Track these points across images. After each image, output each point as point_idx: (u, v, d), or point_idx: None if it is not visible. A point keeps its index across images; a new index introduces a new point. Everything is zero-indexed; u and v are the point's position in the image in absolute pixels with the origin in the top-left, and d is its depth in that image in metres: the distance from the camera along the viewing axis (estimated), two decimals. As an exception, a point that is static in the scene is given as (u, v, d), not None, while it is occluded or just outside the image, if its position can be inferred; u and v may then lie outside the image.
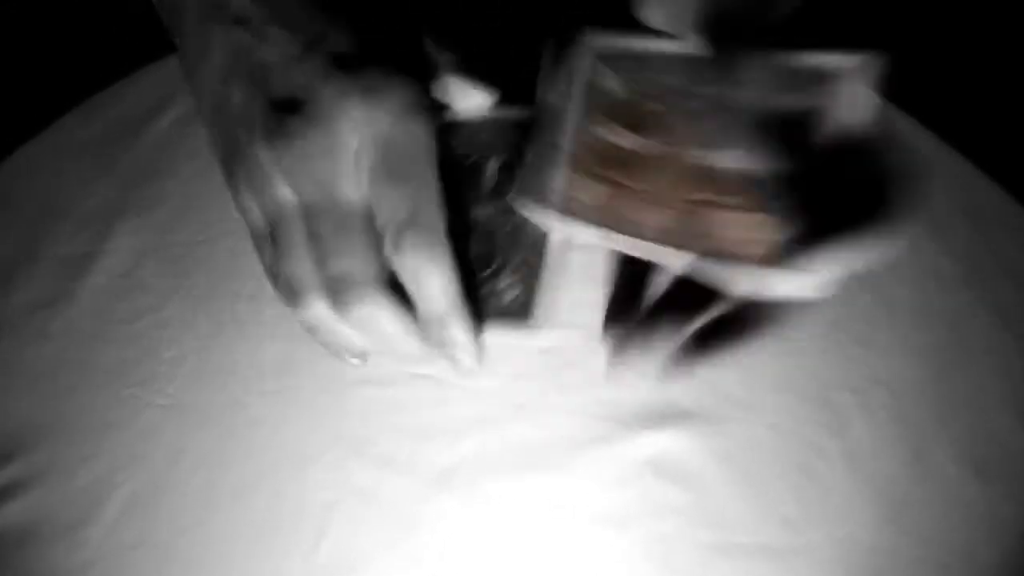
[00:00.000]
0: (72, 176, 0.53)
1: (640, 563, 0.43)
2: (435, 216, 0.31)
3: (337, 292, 0.32)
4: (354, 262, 0.31)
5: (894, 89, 0.59)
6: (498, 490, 0.45)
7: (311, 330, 0.35)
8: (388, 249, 0.31)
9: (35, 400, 0.46)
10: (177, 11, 0.33)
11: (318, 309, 0.33)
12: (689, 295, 0.32)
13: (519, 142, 0.32)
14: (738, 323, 0.32)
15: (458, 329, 0.33)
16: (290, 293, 0.34)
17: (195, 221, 0.52)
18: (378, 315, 0.32)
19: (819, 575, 0.43)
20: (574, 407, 0.47)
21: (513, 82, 0.33)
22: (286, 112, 0.30)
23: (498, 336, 0.35)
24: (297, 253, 0.32)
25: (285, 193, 0.31)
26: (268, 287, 0.50)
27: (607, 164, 0.29)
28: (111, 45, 0.56)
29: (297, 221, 0.31)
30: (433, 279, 0.31)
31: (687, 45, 0.29)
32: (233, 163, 0.32)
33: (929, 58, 0.70)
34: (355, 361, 0.37)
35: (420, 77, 0.32)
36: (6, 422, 0.46)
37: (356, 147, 0.30)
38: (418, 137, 0.31)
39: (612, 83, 0.30)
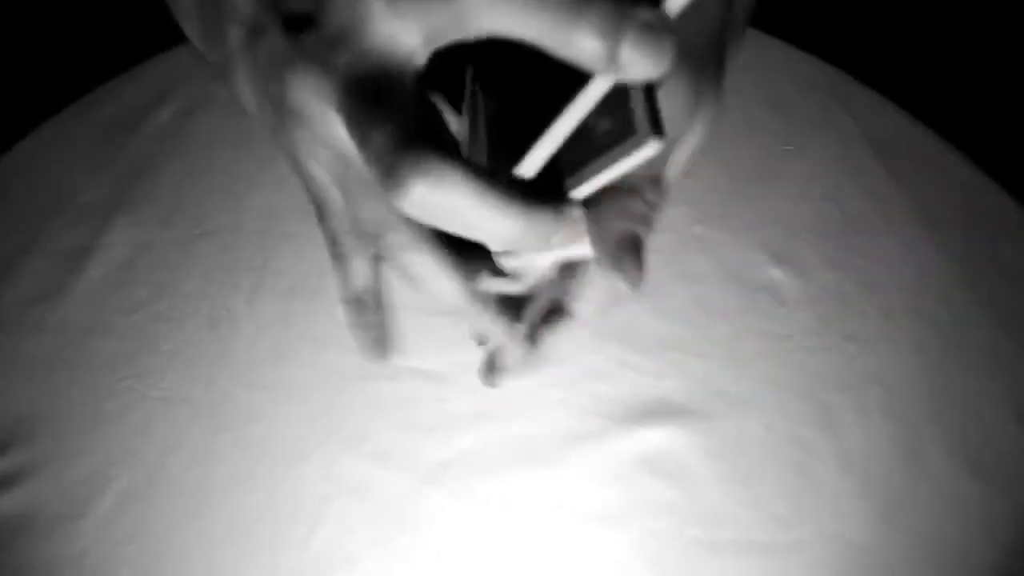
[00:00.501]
0: (70, 171, 0.53)
1: (633, 560, 0.43)
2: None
3: (388, 173, 0.24)
4: (398, 130, 0.24)
5: (896, 88, 0.59)
6: (492, 486, 0.45)
7: (354, 308, 0.32)
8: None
9: (31, 393, 0.46)
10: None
11: (359, 270, 0.30)
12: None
13: None
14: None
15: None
16: (337, 261, 0.30)
17: (192, 216, 0.52)
18: (442, 187, 0.24)
19: (811, 572, 0.43)
20: (568, 403, 0.47)
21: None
22: (304, 31, 0.25)
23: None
24: (334, 212, 0.29)
25: (331, 118, 0.26)
26: (264, 282, 0.51)
27: None
28: (109, 42, 0.57)
29: (346, 141, 0.27)
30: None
31: None
32: (282, 131, 0.29)
33: (931, 57, 0.70)
34: (379, 357, 0.35)
35: None
36: (2, 414, 0.46)
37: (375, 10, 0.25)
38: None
39: None
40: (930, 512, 0.45)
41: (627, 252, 0.26)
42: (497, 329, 0.31)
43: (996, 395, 0.48)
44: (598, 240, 0.26)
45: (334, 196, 0.30)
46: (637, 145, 0.23)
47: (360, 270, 0.34)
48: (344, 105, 0.25)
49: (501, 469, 0.45)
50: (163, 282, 0.50)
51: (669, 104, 0.25)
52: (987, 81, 0.69)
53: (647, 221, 0.26)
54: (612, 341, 0.49)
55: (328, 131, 0.26)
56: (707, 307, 0.51)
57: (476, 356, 0.49)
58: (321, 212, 0.32)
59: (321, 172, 0.29)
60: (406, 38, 0.24)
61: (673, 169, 0.29)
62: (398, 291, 0.50)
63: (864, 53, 0.62)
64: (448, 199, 0.22)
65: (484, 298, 0.30)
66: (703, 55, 0.27)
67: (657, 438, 0.46)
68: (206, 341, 0.48)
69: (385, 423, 0.46)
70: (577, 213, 0.26)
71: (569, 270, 0.33)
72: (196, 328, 0.49)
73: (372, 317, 0.35)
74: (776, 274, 0.52)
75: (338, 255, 0.33)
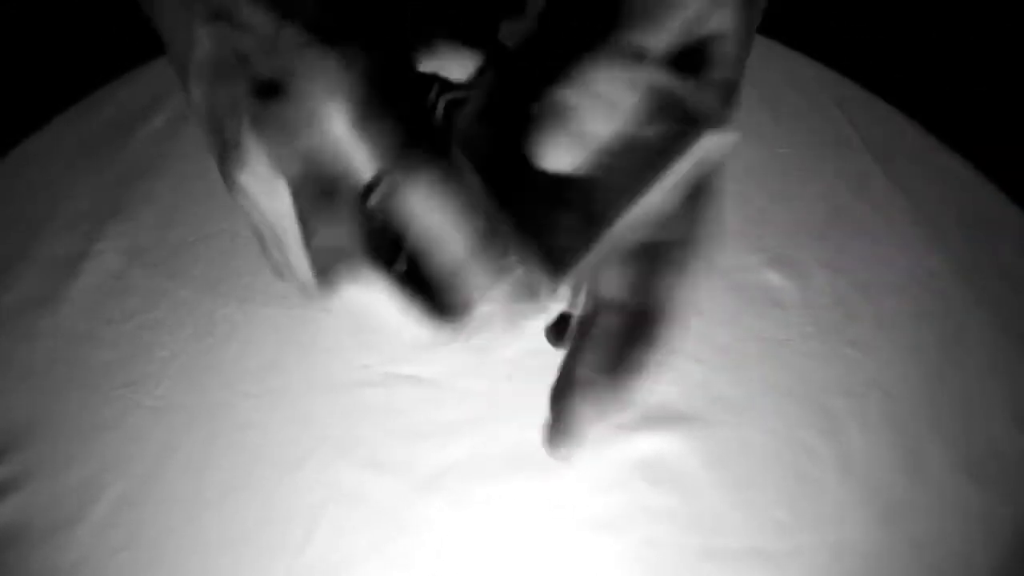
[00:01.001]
0: (65, 177, 0.53)
1: (631, 567, 0.42)
2: (431, 140, 0.26)
3: (321, 272, 0.26)
4: (338, 232, 0.26)
5: (893, 90, 0.59)
6: (488, 493, 0.44)
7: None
8: (375, 197, 0.26)
9: (25, 400, 0.46)
10: (159, 13, 0.32)
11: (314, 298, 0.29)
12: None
13: None
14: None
15: (483, 279, 0.26)
16: (294, 288, 0.29)
17: (186, 222, 0.52)
18: (368, 294, 0.26)
19: (812, 580, 0.42)
20: (564, 409, 0.47)
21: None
22: (270, 97, 0.28)
23: None
24: (288, 241, 0.28)
25: (278, 186, 0.29)
26: (257, 288, 0.50)
27: None
28: (103, 47, 0.56)
29: (289, 211, 0.27)
30: (437, 212, 0.25)
31: None
32: (227, 162, 0.31)
33: (928, 59, 0.69)
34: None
35: (402, 42, 0.29)
36: (-4, 422, 0.45)
37: (336, 114, 0.26)
38: (400, 84, 0.27)
39: None
40: (931, 518, 0.44)
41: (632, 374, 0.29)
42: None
43: (997, 399, 0.48)
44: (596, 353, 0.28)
45: (283, 226, 0.29)
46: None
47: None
48: (293, 189, 0.26)
49: (497, 475, 0.45)
50: (157, 289, 0.50)
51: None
52: (984, 82, 0.68)
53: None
54: (609, 346, 0.49)
55: (274, 196, 0.27)
56: (703, 312, 0.50)
57: (471, 362, 0.49)
58: (262, 243, 0.31)
59: (256, 216, 0.30)
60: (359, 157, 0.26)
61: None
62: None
63: (860, 55, 0.62)
64: (372, 307, 0.26)
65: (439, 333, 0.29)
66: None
67: (655, 444, 0.46)
68: (200, 348, 0.48)
69: (380, 429, 0.46)
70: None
71: None
72: (190, 335, 0.48)
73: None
74: (773, 278, 0.52)
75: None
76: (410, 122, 0.26)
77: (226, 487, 0.44)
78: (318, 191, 0.27)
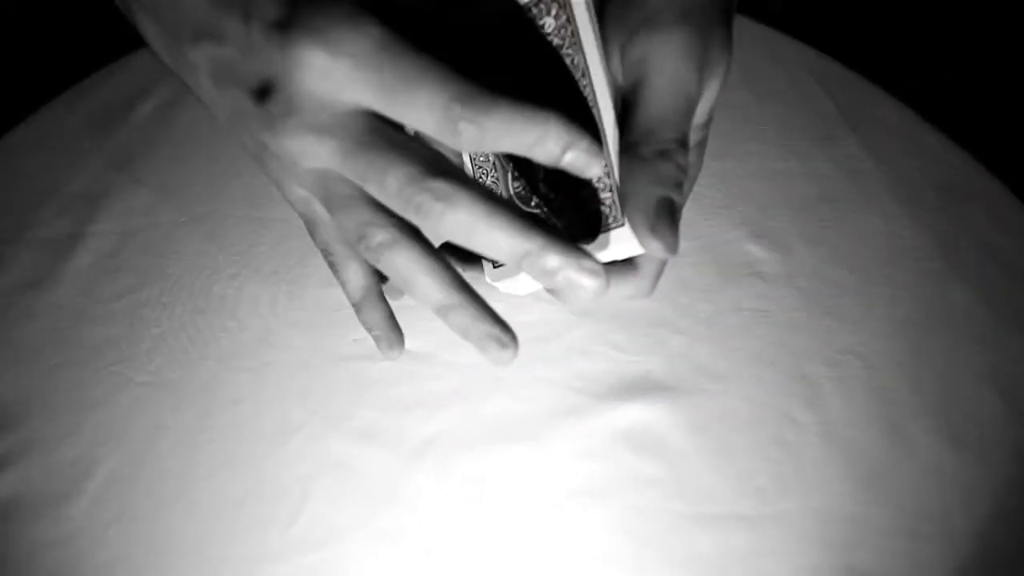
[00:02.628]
0: (57, 161, 0.53)
1: (617, 534, 0.42)
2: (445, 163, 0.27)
3: (364, 248, 0.28)
4: (364, 211, 0.28)
5: (870, 64, 0.59)
6: (476, 463, 0.44)
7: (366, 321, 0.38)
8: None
9: (19, 379, 0.46)
10: (159, 49, 0.33)
11: (353, 274, 0.33)
12: None
13: None
14: None
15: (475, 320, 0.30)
16: (334, 269, 0.34)
17: (176, 203, 0.52)
18: (403, 260, 0.28)
19: (794, 544, 0.42)
20: (551, 380, 0.47)
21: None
22: (267, 98, 0.28)
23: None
24: (321, 224, 0.32)
25: (306, 175, 0.29)
26: (248, 266, 0.50)
27: None
28: (93, 35, 0.57)
29: (316, 197, 0.30)
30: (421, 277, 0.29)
31: None
32: (261, 163, 0.32)
33: (903, 32, 0.69)
34: (389, 351, 0.38)
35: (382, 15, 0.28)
36: (-9, 399, 0.46)
37: (338, 97, 0.27)
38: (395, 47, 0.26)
39: None
40: (911, 483, 0.44)
41: (663, 219, 0.25)
42: (478, 328, 0.30)
43: (975, 367, 0.48)
44: (634, 207, 0.26)
45: (319, 210, 0.32)
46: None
47: (354, 274, 0.36)
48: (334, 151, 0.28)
49: (484, 446, 0.45)
50: (149, 268, 0.50)
51: (682, 66, 0.26)
52: (960, 57, 0.68)
53: (679, 185, 0.26)
54: (592, 319, 0.49)
55: (309, 164, 0.28)
56: (686, 284, 0.50)
57: (457, 337, 0.48)
58: (310, 227, 0.34)
59: (304, 193, 0.31)
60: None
61: (696, 132, 0.29)
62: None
63: (838, 31, 0.62)
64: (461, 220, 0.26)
65: (465, 296, 0.30)
66: (710, 14, 0.26)
67: (640, 414, 0.46)
68: (192, 326, 0.48)
69: (368, 402, 0.46)
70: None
71: None
72: (182, 313, 0.48)
73: (374, 315, 0.37)
74: (755, 250, 0.52)
75: (333, 264, 0.36)
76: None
77: (217, 461, 0.44)
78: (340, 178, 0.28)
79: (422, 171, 0.25)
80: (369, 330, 0.38)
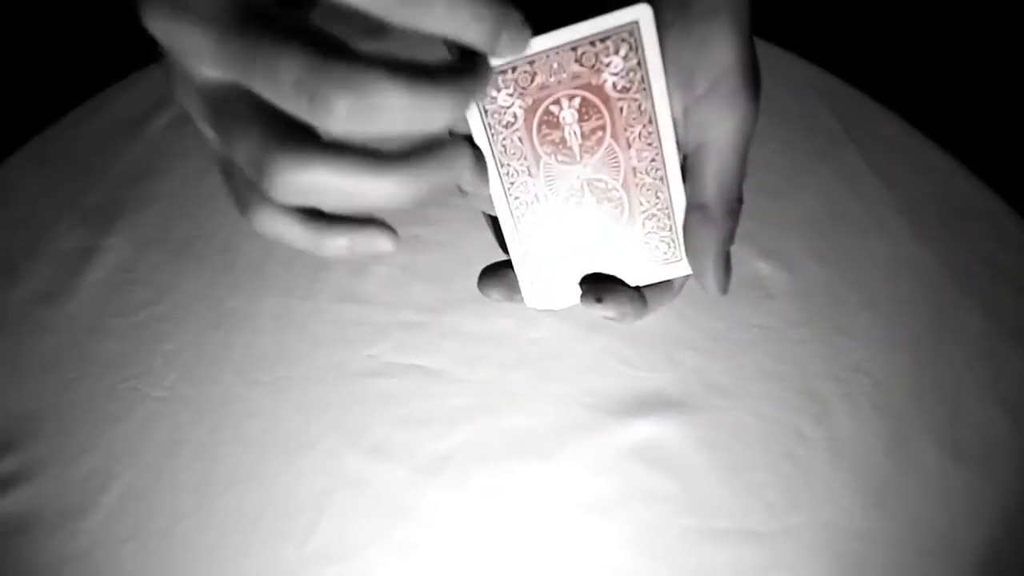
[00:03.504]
0: (72, 176, 0.53)
1: (628, 548, 0.43)
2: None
3: (267, 181, 0.23)
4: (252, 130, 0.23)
5: (877, 86, 0.59)
6: (489, 478, 0.44)
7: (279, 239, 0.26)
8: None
9: (35, 393, 0.46)
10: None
11: (257, 213, 0.25)
12: None
13: None
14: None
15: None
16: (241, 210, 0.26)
17: (191, 218, 0.52)
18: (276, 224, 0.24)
19: (804, 559, 0.43)
20: (562, 395, 0.47)
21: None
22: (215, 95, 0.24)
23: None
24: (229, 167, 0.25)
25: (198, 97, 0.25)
26: (262, 280, 0.51)
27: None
28: (109, 50, 0.57)
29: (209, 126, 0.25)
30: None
31: None
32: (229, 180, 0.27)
33: (910, 56, 0.70)
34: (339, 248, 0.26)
35: None
36: (6, 414, 0.45)
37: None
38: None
39: None
40: (918, 498, 0.45)
41: (726, 270, 0.28)
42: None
43: (980, 383, 0.48)
44: (703, 260, 0.28)
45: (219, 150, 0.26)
46: None
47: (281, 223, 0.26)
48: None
49: (497, 461, 0.45)
50: (164, 283, 0.50)
51: (746, 130, 0.27)
52: (964, 77, 0.69)
53: (731, 238, 0.28)
54: (603, 335, 0.49)
55: (190, 65, 0.24)
56: (696, 301, 0.50)
57: (470, 353, 0.49)
58: (227, 183, 0.27)
59: (209, 131, 0.25)
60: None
61: (732, 188, 0.29)
62: (394, 291, 0.51)
63: (841, 48, 0.62)
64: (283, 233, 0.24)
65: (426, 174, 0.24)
66: (757, 71, 0.28)
67: (650, 429, 0.46)
68: (206, 340, 0.48)
69: (383, 418, 0.46)
70: None
71: None
72: (197, 328, 0.48)
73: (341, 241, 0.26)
74: (763, 268, 0.52)
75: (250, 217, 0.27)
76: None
77: (233, 476, 0.44)
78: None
79: (322, 58, 0.21)
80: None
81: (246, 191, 0.25)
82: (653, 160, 0.26)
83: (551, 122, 0.25)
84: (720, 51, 0.25)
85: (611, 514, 0.44)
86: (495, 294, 0.29)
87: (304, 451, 0.45)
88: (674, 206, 0.27)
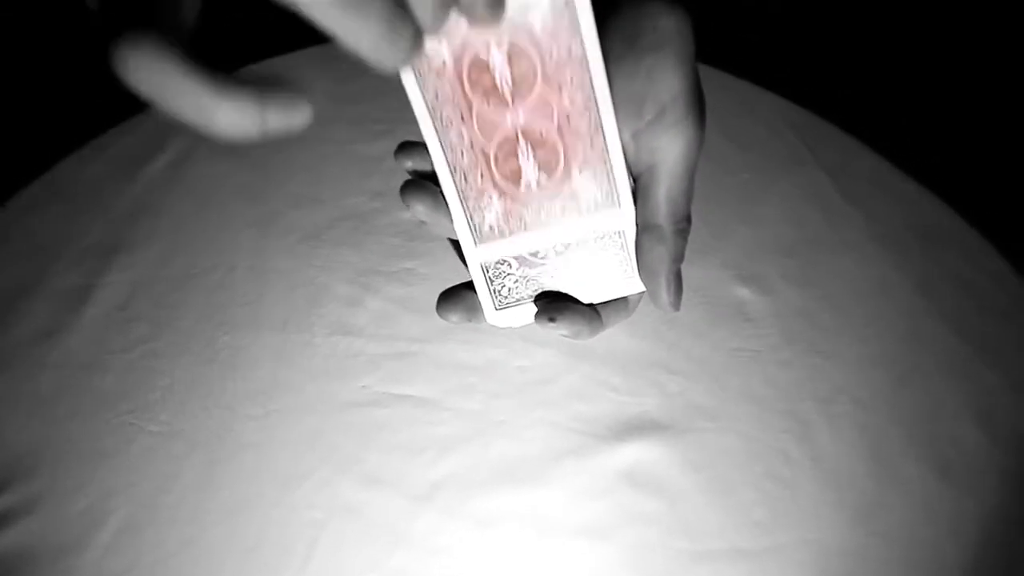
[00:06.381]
0: (71, 215, 0.54)
1: (620, 572, 0.43)
2: None
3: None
4: None
5: (843, 114, 0.61)
6: (481, 505, 0.44)
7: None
8: None
9: (32, 429, 0.46)
10: None
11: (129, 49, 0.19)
12: None
13: None
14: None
15: None
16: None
17: (186, 256, 0.53)
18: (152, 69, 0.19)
19: (792, 577, 0.43)
20: (552, 422, 0.47)
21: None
22: None
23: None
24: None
25: None
26: (257, 316, 0.51)
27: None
28: (107, 94, 0.57)
29: None
30: None
31: None
32: None
33: (882, 89, 0.72)
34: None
35: None
36: (3, 451, 0.45)
37: None
38: None
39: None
40: (901, 514, 0.45)
41: (678, 287, 0.29)
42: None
43: (958, 399, 0.49)
44: (655, 277, 0.28)
45: None
46: None
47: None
48: None
49: (489, 488, 0.45)
50: (160, 319, 0.50)
51: (692, 154, 0.27)
52: (927, 104, 0.71)
53: (681, 256, 0.28)
54: (589, 362, 0.50)
55: None
56: (678, 326, 0.51)
57: (461, 382, 0.49)
58: None
59: None
60: None
61: (678, 205, 0.30)
62: (386, 323, 0.51)
63: (816, 86, 0.64)
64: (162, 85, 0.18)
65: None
66: (701, 100, 0.28)
67: (638, 453, 0.46)
68: (202, 375, 0.48)
69: (376, 447, 0.46)
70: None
71: None
72: (192, 363, 0.49)
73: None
74: (742, 292, 0.53)
75: None
76: None
77: (227, 508, 0.44)
78: None
79: None
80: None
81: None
82: (586, 105, 0.25)
83: (481, 66, 0.25)
84: (667, 81, 0.26)
85: (602, 538, 0.44)
86: (454, 316, 0.29)
87: (298, 482, 0.45)
88: (609, 152, 0.26)
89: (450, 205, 0.28)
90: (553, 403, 0.48)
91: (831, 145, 0.60)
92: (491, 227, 0.28)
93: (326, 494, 0.44)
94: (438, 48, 0.24)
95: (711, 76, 0.60)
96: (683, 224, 0.28)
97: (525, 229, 0.28)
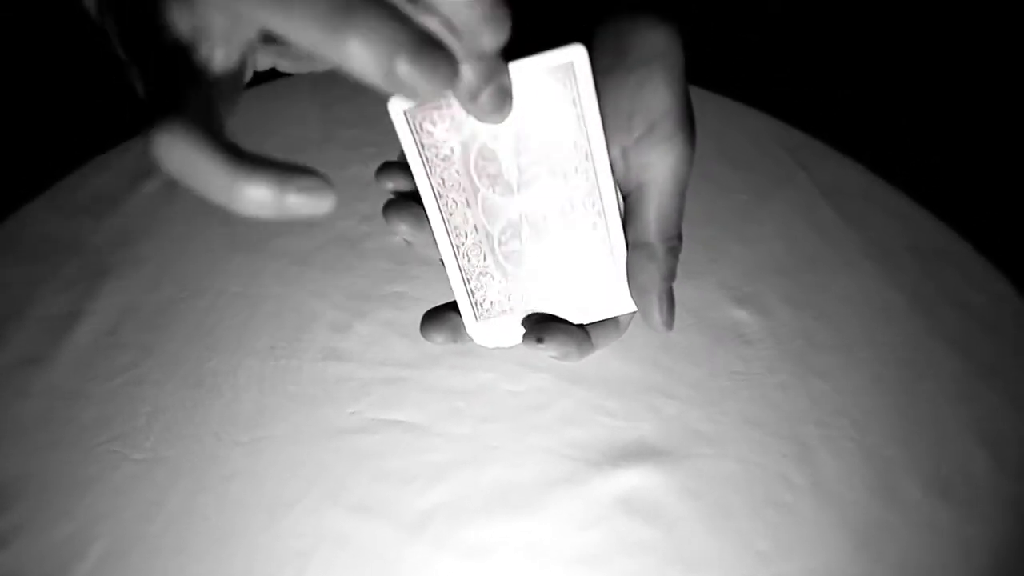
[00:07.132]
0: (59, 240, 0.53)
1: (616, 602, 0.41)
2: None
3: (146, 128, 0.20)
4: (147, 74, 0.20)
5: (838, 135, 0.60)
6: (474, 533, 0.43)
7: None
8: None
9: (16, 457, 0.45)
10: None
11: (162, 129, 0.20)
12: None
13: None
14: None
15: None
16: None
17: (172, 283, 0.52)
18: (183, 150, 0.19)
19: (795, 608, 0.41)
20: (545, 448, 0.46)
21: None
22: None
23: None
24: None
25: None
26: (240, 342, 0.50)
27: None
28: (96, 120, 0.58)
29: None
30: None
31: None
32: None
33: (876, 104, 0.72)
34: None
35: None
36: (-14, 480, 0.44)
37: None
38: None
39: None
40: (907, 540, 0.43)
41: (670, 306, 0.28)
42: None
43: (960, 421, 0.48)
44: (647, 294, 0.28)
45: None
46: None
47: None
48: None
49: (482, 516, 0.44)
50: (147, 344, 0.49)
51: (683, 171, 0.27)
52: (926, 121, 0.71)
53: (673, 274, 0.28)
54: (584, 386, 0.49)
55: None
56: (674, 350, 0.50)
57: (452, 407, 0.48)
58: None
59: None
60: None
61: (669, 222, 0.29)
62: (376, 348, 0.50)
63: (811, 87, 0.64)
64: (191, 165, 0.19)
65: None
66: (692, 118, 0.28)
67: (634, 479, 0.45)
68: (188, 401, 0.47)
69: (365, 475, 0.45)
70: None
71: None
72: (178, 389, 0.48)
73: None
74: (739, 315, 0.52)
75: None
76: None
77: (212, 537, 0.43)
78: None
79: None
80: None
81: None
82: (589, 194, 0.26)
83: (488, 155, 0.25)
84: (656, 96, 0.26)
85: (599, 567, 0.42)
86: (438, 337, 0.29)
87: (285, 510, 0.43)
88: (612, 239, 0.27)
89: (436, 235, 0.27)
90: (547, 428, 0.47)
91: (824, 163, 0.59)
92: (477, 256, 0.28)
93: (314, 523, 0.43)
94: (446, 136, 0.25)
95: (702, 96, 0.60)
96: (674, 242, 0.27)
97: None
